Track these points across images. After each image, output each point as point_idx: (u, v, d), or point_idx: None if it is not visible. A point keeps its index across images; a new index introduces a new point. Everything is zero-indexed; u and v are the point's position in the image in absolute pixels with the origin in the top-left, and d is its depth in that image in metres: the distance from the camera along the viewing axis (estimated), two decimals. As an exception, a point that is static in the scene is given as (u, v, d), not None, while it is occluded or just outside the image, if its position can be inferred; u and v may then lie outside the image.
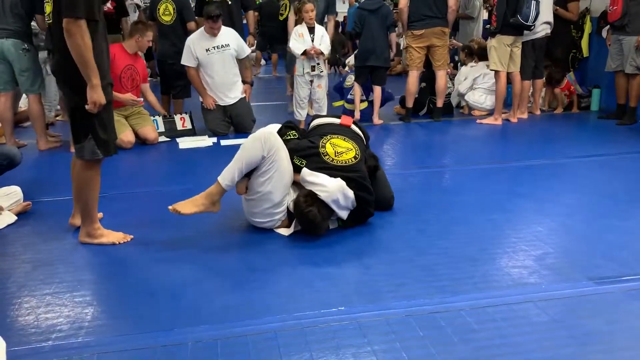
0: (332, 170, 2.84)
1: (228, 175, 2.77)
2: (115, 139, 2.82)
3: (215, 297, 2.28)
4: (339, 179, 2.79)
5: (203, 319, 2.11)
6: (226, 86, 5.39)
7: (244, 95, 5.50)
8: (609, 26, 5.82)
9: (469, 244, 2.76)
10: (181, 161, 4.61)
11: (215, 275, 2.48)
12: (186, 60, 5.30)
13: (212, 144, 5.03)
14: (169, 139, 5.22)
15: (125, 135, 4.78)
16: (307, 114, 5.72)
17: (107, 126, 2.69)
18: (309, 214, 2.73)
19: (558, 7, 6.20)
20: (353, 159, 2.93)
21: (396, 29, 6.46)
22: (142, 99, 4.84)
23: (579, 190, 3.58)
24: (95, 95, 2.52)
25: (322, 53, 5.40)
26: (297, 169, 2.89)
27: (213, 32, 5.21)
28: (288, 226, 2.92)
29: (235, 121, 5.47)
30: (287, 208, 2.89)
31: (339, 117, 3.34)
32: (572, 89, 6.43)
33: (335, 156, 2.91)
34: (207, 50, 5.25)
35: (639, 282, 2.35)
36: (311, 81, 5.51)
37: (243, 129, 5.42)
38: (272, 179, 2.78)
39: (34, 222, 3.13)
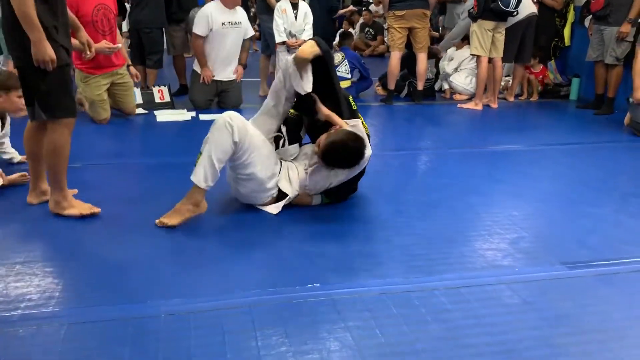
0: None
1: (203, 173, 2.59)
2: (71, 102, 2.61)
3: (190, 270, 2.26)
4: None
5: (177, 292, 2.09)
6: (228, 62, 5.26)
7: (235, 75, 5.37)
8: (591, 16, 5.86)
9: (445, 225, 2.78)
10: (158, 134, 4.54)
11: (190, 249, 2.45)
12: (200, 29, 5.06)
13: (190, 118, 4.95)
14: (146, 111, 5.12)
15: (102, 116, 4.62)
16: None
17: (57, 89, 2.50)
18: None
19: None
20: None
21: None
22: (120, 45, 4.57)
23: (555, 177, 3.63)
24: (39, 52, 2.34)
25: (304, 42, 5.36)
26: (352, 113, 2.90)
27: (235, 3, 5.07)
28: (276, 202, 2.88)
29: (222, 97, 5.35)
30: (278, 187, 2.84)
31: None
32: (545, 75, 6.49)
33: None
34: (223, 24, 5.08)
35: (609, 267, 2.40)
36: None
37: (228, 105, 5.29)
38: (253, 159, 2.69)
39: (6, 191, 3.05)
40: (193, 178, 2.62)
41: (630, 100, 4.85)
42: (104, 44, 4.39)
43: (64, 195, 2.70)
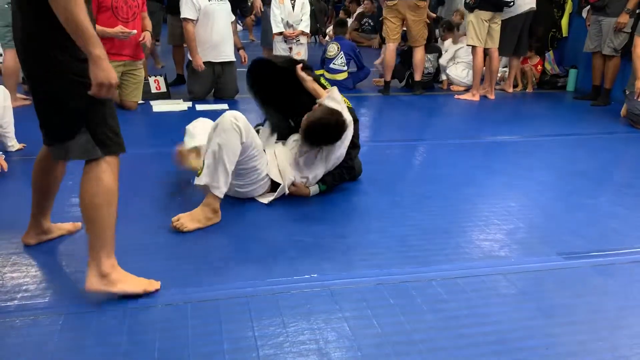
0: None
1: (216, 180, 2.53)
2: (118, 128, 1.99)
3: (187, 261, 2.26)
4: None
5: (174, 282, 2.08)
6: (222, 42, 5.14)
7: (234, 59, 5.29)
8: (589, 6, 5.84)
9: (442, 216, 2.78)
10: (154, 124, 4.52)
11: (187, 240, 2.45)
12: (187, 12, 4.93)
13: (187, 109, 4.92)
14: (142, 102, 5.09)
15: None
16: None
17: (112, 116, 1.96)
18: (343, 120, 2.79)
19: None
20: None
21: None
22: (135, 31, 4.47)
23: (552, 168, 3.64)
24: (102, 73, 1.73)
25: (301, 33, 5.32)
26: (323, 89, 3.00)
27: None
28: (271, 192, 2.88)
29: (219, 85, 5.30)
30: (269, 177, 2.84)
31: None
32: (538, 67, 6.48)
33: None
34: (210, 0, 4.98)
35: (605, 257, 2.41)
36: (290, 48, 5.43)
37: (224, 95, 5.30)
38: (254, 155, 2.70)
39: None
40: (199, 182, 2.57)
41: (627, 92, 4.86)
42: (118, 28, 4.32)
43: (113, 264, 1.97)
